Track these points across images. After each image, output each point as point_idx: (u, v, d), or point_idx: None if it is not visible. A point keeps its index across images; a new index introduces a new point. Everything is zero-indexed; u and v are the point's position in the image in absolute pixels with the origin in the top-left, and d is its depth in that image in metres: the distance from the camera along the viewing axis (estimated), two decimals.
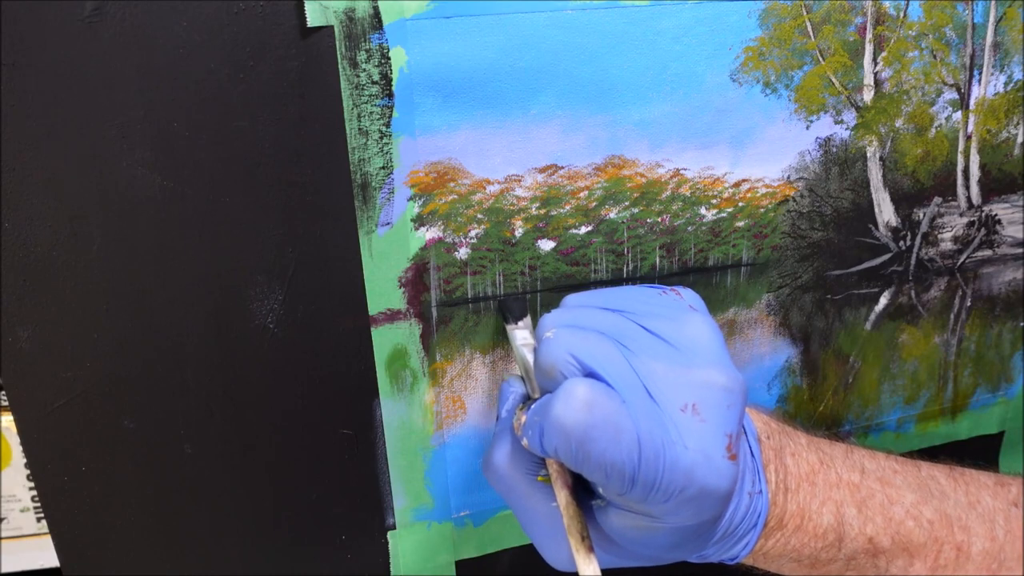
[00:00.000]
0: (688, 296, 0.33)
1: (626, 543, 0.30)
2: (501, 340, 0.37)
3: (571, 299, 0.33)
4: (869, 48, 0.37)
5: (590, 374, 0.28)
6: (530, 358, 0.32)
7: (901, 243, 0.42)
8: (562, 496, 0.30)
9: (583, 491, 0.31)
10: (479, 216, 0.34)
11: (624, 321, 0.30)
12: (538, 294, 0.37)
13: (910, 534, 0.34)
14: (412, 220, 0.34)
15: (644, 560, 0.32)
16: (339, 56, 0.30)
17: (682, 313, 0.31)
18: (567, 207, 0.36)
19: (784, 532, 0.33)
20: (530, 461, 0.32)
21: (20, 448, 0.48)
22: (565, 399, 0.27)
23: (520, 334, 0.34)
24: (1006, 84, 0.40)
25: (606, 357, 0.29)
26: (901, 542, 0.34)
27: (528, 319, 0.35)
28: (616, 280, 0.38)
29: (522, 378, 0.33)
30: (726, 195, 0.38)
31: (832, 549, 0.34)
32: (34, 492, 0.55)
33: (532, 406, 0.30)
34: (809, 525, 0.33)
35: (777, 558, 0.34)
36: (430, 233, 0.34)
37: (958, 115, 0.40)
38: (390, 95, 0.31)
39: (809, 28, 0.36)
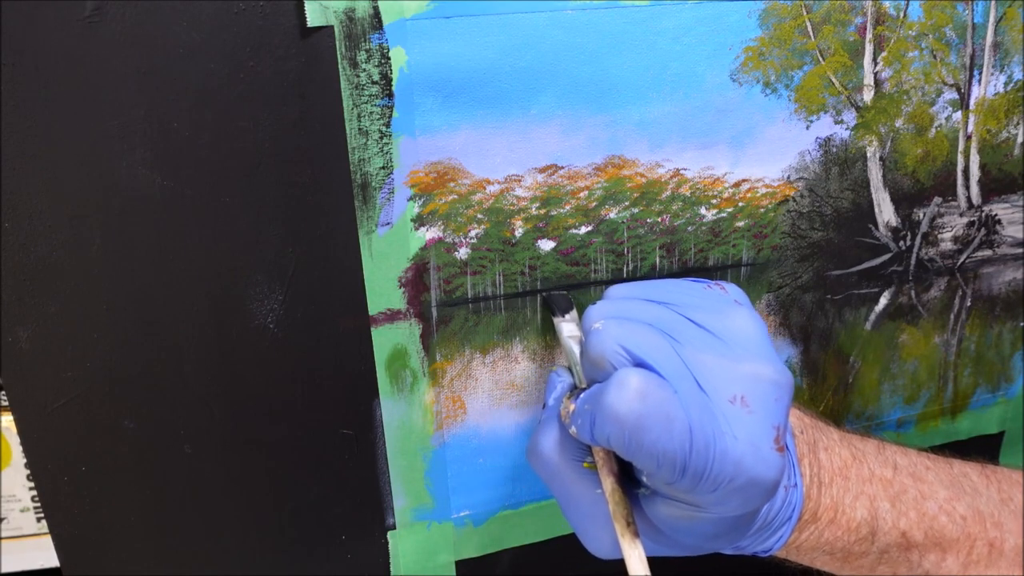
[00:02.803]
0: (733, 291, 0.33)
1: (669, 531, 0.30)
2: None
3: (614, 291, 0.33)
4: (869, 48, 0.37)
5: (639, 364, 0.28)
6: (577, 350, 0.33)
7: (901, 243, 0.42)
8: (608, 483, 0.31)
9: (627, 479, 0.32)
10: (479, 216, 0.34)
11: (670, 313, 0.31)
12: (538, 294, 0.37)
13: (943, 529, 0.34)
14: (412, 220, 0.34)
15: (684, 549, 0.32)
16: (339, 56, 0.30)
17: (728, 307, 0.31)
18: (567, 207, 0.35)
19: (818, 525, 0.33)
20: (576, 448, 0.32)
21: (20, 448, 0.48)
22: (618, 388, 0.27)
23: (567, 327, 0.34)
24: (1006, 84, 0.40)
25: (655, 348, 0.29)
26: (934, 537, 0.34)
27: (574, 312, 0.35)
28: (616, 280, 0.38)
29: (569, 368, 0.34)
30: (726, 195, 0.38)
31: (865, 543, 0.34)
32: (34, 492, 0.55)
33: (581, 395, 0.30)
34: (843, 519, 0.33)
35: (810, 551, 0.34)
36: (430, 233, 0.34)
37: (958, 115, 0.40)
38: (390, 95, 0.31)
39: (809, 28, 0.36)
